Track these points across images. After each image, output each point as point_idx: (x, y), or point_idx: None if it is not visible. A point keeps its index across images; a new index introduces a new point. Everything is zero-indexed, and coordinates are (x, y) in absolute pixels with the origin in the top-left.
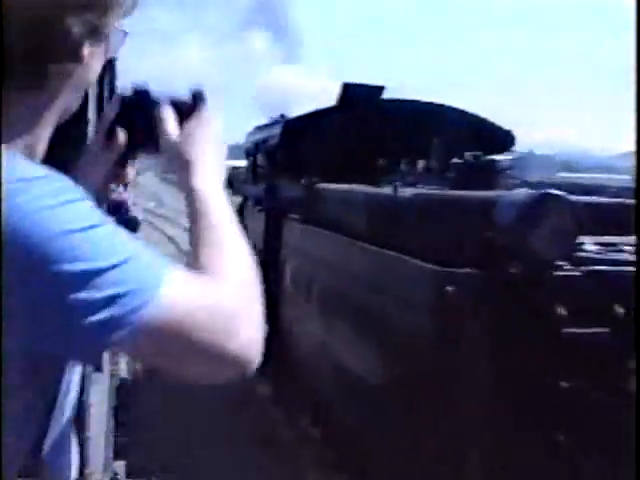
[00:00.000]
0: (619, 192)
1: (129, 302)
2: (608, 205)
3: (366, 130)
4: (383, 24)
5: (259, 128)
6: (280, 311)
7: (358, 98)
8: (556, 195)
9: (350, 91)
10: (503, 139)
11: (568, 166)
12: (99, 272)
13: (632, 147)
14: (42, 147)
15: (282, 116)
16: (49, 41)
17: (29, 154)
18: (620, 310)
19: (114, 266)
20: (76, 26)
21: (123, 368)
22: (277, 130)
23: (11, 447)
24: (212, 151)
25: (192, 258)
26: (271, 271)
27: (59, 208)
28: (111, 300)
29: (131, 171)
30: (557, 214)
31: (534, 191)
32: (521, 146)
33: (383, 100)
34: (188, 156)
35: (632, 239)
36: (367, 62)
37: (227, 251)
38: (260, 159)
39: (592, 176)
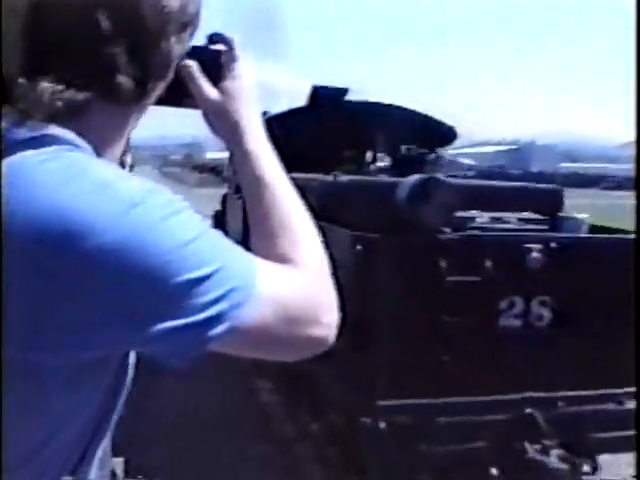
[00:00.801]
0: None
1: (230, 300)
2: (482, 186)
3: (331, 127)
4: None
5: None
6: None
7: (325, 98)
8: (437, 178)
9: (319, 92)
10: (447, 134)
11: (570, 156)
12: (204, 278)
13: (632, 137)
14: (116, 163)
15: (265, 113)
16: (155, 59)
17: None
18: (489, 263)
19: (217, 270)
20: (176, 45)
21: None
22: None
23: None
24: (255, 108)
25: (267, 245)
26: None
27: (168, 221)
28: (215, 301)
29: (128, 159)
30: (437, 192)
31: (423, 175)
32: (523, 136)
33: (346, 101)
34: (235, 116)
35: (519, 214)
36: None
37: (300, 235)
38: None
39: (593, 166)
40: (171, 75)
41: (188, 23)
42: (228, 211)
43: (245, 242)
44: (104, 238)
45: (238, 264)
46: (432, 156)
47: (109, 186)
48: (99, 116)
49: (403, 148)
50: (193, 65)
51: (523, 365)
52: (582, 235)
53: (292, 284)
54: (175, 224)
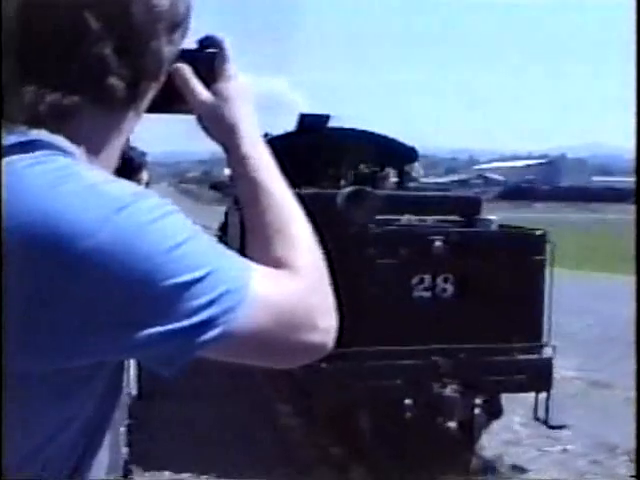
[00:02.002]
0: None
1: (222, 304)
2: (407, 195)
3: (314, 150)
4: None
5: None
6: None
7: (310, 125)
8: (363, 190)
9: (305, 119)
10: (409, 153)
11: (602, 169)
12: (195, 282)
13: None
14: (112, 169)
15: (266, 134)
16: (146, 59)
17: None
18: (404, 250)
19: (208, 273)
20: (166, 46)
21: (133, 386)
22: None
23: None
24: (250, 108)
25: (263, 249)
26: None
27: (157, 223)
28: (206, 305)
29: (144, 175)
30: (362, 199)
31: (354, 187)
32: (553, 150)
33: (328, 127)
34: (230, 118)
35: (438, 217)
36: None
37: (298, 239)
38: None
39: (627, 180)
40: (163, 77)
41: (179, 24)
42: (229, 223)
43: (243, 253)
44: (91, 241)
45: (230, 267)
46: (384, 173)
47: (95, 189)
48: (90, 120)
49: (362, 166)
50: (185, 68)
51: (431, 324)
52: (473, 230)
53: (287, 288)
54: (164, 227)
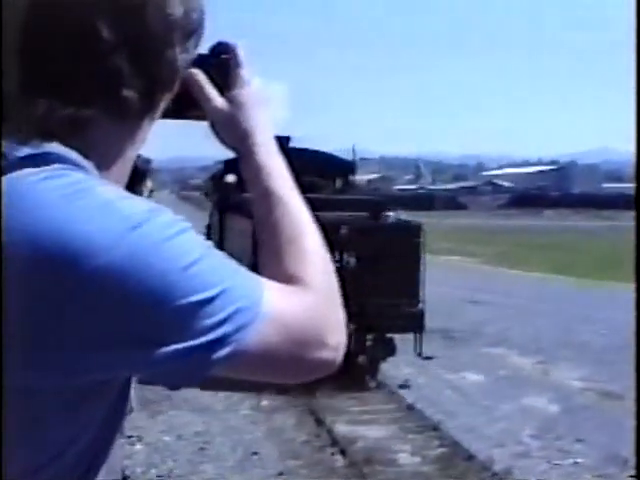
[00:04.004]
0: None
1: (235, 323)
2: (324, 198)
3: None
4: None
5: (220, 162)
6: None
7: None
8: None
9: None
10: (348, 167)
11: (613, 175)
12: (208, 301)
13: None
14: (125, 181)
15: (288, 138)
16: (161, 69)
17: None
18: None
19: (221, 292)
20: (181, 54)
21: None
22: (222, 165)
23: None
24: (264, 115)
25: (275, 262)
26: (214, 234)
27: (171, 241)
28: (219, 324)
29: (148, 183)
30: None
31: None
32: (563, 156)
33: (287, 147)
34: (244, 125)
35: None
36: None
37: (310, 253)
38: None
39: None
40: (177, 86)
41: (192, 31)
42: (211, 223)
43: (221, 246)
44: (105, 259)
45: (243, 285)
46: (324, 182)
47: (110, 205)
48: (104, 132)
49: (306, 177)
50: (200, 74)
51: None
52: (369, 221)
53: (299, 305)
54: (178, 245)
